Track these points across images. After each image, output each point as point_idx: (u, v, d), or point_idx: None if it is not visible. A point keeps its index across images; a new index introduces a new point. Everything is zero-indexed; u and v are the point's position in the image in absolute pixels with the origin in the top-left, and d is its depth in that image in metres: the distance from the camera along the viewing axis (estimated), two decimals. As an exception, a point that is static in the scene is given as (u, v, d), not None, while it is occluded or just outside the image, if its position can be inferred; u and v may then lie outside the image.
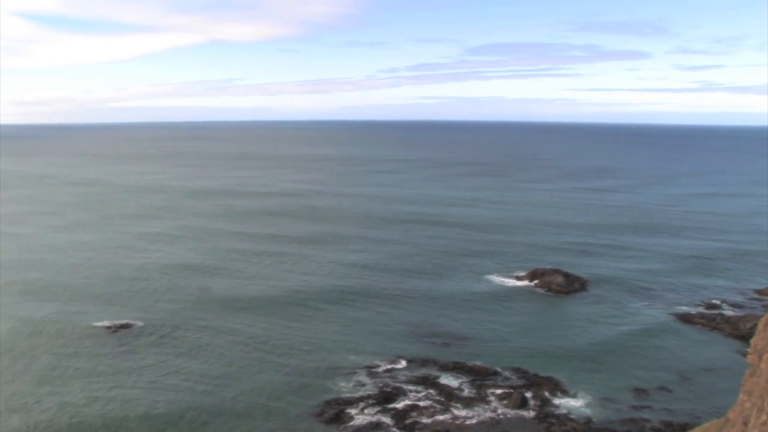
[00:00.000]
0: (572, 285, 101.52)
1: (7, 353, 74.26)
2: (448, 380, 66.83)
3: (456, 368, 69.69)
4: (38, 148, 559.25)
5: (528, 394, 63.41)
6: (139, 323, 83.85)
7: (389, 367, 70.35)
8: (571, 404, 62.05)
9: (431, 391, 64.34)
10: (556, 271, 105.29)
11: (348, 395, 63.34)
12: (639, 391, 65.12)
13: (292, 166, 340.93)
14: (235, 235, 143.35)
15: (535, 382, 66.65)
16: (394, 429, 57.00)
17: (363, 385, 65.83)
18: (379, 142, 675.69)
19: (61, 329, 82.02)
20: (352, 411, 59.87)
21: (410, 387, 65.22)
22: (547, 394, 63.94)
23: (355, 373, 68.73)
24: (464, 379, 67.27)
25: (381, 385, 65.56)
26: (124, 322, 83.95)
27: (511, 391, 63.93)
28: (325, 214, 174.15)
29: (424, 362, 71.52)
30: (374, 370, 69.50)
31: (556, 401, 62.58)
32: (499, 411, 60.41)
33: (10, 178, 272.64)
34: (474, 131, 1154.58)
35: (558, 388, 65.26)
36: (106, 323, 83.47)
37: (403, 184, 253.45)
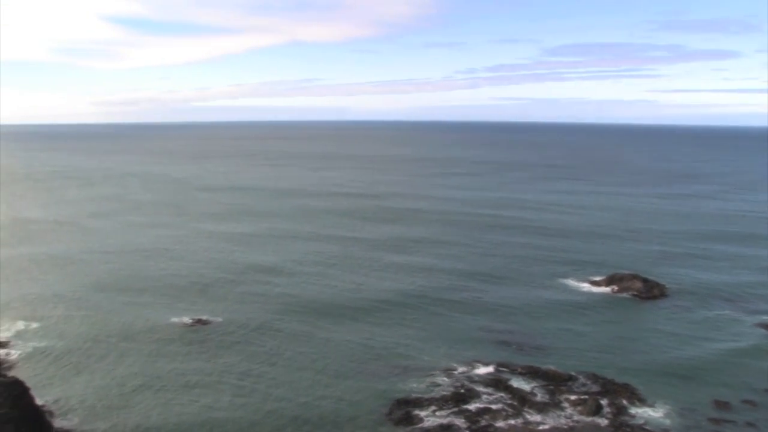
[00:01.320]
0: (651, 291, 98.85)
1: (85, 345, 77.25)
2: (521, 384, 66.24)
3: (529, 372, 69.02)
4: (123, 147, 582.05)
5: (603, 402, 62.20)
6: (218, 319, 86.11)
7: (462, 369, 70.30)
8: (648, 414, 60.51)
9: (503, 394, 63.95)
10: (635, 277, 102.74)
11: (420, 396, 63.64)
12: (721, 404, 62.87)
13: (370, 167, 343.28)
14: (310, 236, 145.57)
15: (610, 389, 65.30)
16: (466, 431, 57.00)
17: (437, 386, 66.00)
18: (456, 144, 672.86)
19: (138, 323, 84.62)
20: (425, 413, 60.16)
21: (482, 390, 65.00)
22: (623, 402, 62.56)
23: (428, 375, 68.89)
24: (537, 383, 66.55)
25: (453, 388, 65.59)
26: (203, 317, 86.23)
27: (586, 397, 62.90)
28: (400, 215, 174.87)
29: (497, 365, 71.05)
30: (449, 372, 69.60)
31: (632, 410, 61.15)
32: (573, 417, 59.54)
33: (94, 175, 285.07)
34: (552, 133, 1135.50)
35: (634, 397, 63.75)
36: (185, 319, 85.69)
37: (479, 186, 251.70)
